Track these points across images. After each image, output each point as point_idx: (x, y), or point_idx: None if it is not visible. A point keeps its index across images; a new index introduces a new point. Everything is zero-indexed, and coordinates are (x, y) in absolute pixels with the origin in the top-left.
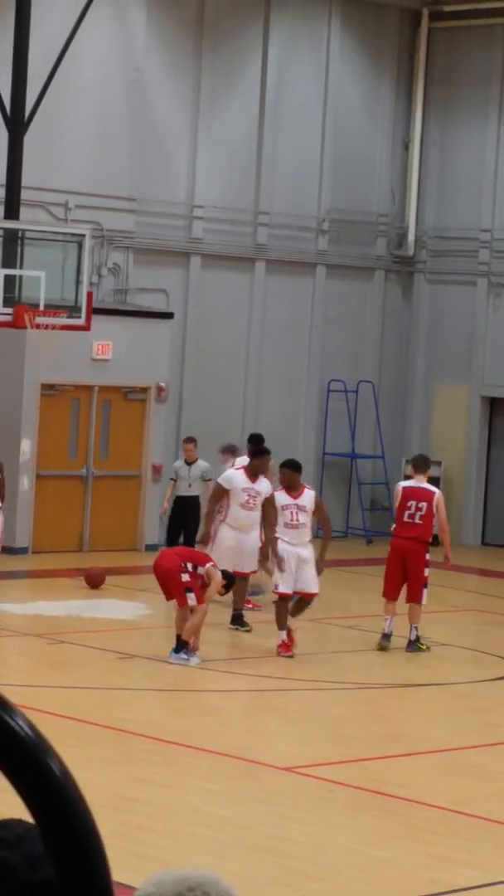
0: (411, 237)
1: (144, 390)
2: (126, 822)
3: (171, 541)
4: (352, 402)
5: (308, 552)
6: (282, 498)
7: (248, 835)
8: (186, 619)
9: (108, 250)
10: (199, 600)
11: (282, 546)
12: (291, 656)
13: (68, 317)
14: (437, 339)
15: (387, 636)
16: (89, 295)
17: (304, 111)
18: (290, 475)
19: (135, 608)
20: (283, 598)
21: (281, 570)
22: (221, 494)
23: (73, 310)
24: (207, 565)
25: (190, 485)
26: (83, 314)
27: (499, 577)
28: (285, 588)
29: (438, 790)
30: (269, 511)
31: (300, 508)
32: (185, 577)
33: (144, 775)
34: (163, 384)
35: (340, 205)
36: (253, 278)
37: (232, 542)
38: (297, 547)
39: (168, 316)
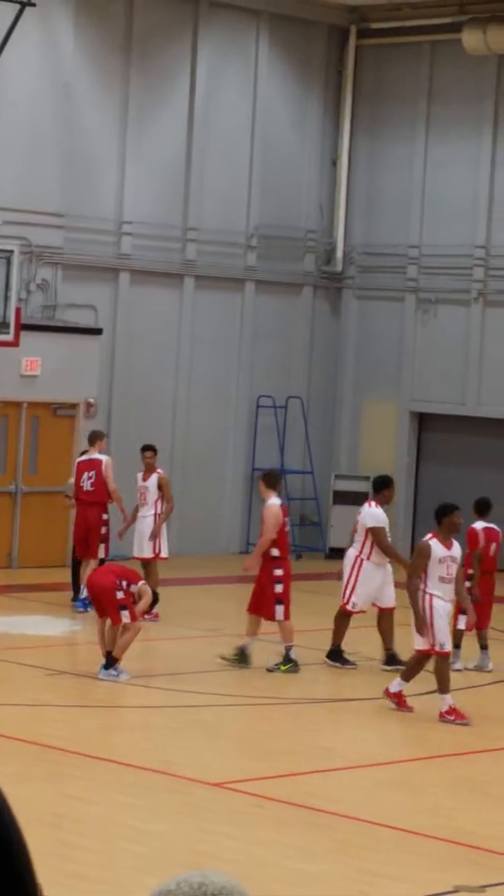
0: (339, 253)
1: (73, 406)
2: (54, 838)
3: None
4: (281, 418)
5: (450, 607)
6: (438, 550)
7: (176, 850)
8: (117, 635)
9: (36, 266)
10: (133, 617)
11: (436, 603)
12: (467, 723)
13: None
14: (365, 354)
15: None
16: (18, 311)
17: (232, 127)
18: (457, 522)
19: (64, 624)
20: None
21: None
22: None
23: (2, 326)
24: (140, 583)
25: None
26: (11, 330)
27: None
28: (425, 646)
29: (368, 804)
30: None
31: (454, 560)
32: (120, 595)
33: (73, 791)
34: (92, 400)
35: (269, 221)
36: (182, 294)
37: (378, 578)
38: (448, 603)
39: (97, 332)
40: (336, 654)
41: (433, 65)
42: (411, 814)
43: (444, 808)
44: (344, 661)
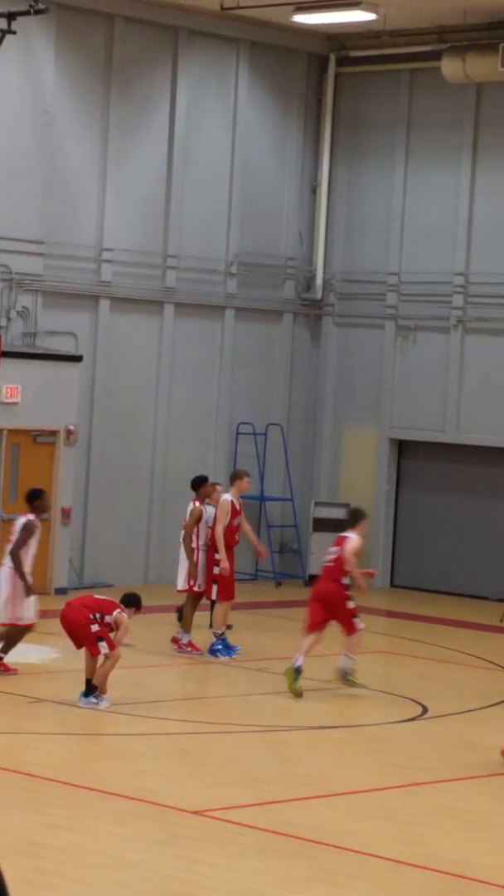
0: (319, 280)
1: (53, 433)
2: (34, 867)
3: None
4: (261, 445)
5: None
6: None
7: (156, 879)
8: (97, 664)
9: (16, 293)
10: (112, 647)
11: None
12: None
13: None
14: (345, 381)
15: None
16: None
17: (212, 155)
18: None
19: (44, 652)
20: None
21: None
22: None
23: None
24: (115, 612)
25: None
26: None
27: (407, 619)
28: None
29: (348, 832)
30: None
31: None
32: (95, 628)
33: (53, 820)
34: (72, 427)
35: (249, 248)
36: (162, 321)
37: None
38: None
39: (77, 359)
40: None
41: (412, 92)
42: (391, 842)
43: (422, 836)
44: None
